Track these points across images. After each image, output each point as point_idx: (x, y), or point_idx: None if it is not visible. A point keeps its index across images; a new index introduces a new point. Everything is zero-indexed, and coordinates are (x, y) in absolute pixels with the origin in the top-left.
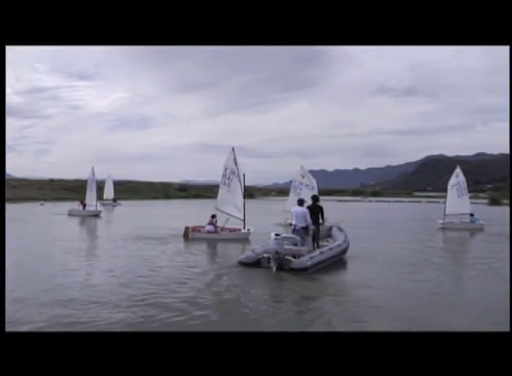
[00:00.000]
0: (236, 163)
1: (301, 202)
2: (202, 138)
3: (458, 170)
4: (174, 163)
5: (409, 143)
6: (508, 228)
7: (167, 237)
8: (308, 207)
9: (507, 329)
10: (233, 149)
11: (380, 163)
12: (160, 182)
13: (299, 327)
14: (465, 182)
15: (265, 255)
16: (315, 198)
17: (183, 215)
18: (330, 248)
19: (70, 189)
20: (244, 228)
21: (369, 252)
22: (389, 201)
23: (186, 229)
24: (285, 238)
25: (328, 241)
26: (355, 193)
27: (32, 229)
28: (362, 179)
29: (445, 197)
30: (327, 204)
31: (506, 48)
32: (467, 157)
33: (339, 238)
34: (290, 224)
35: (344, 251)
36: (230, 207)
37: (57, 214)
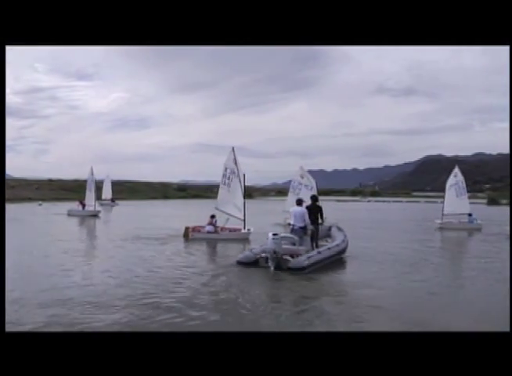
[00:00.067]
0: (236, 163)
1: (299, 202)
2: (201, 138)
3: (456, 170)
4: (173, 163)
5: (408, 143)
6: (507, 228)
7: (166, 237)
8: (307, 207)
9: (507, 329)
10: (233, 149)
11: (378, 163)
12: (159, 182)
13: (297, 326)
14: (464, 182)
15: (263, 255)
16: (314, 198)
17: (182, 215)
18: (328, 248)
19: (68, 190)
20: (244, 228)
21: (368, 252)
22: (388, 201)
23: (186, 229)
24: (283, 238)
25: (327, 241)
26: (354, 193)
27: (31, 229)
28: (360, 179)
29: (443, 196)
30: (326, 204)
31: (506, 48)
32: (466, 157)
33: (338, 238)
34: (289, 224)
35: (343, 250)
36: (230, 207)
37: (56, 214)
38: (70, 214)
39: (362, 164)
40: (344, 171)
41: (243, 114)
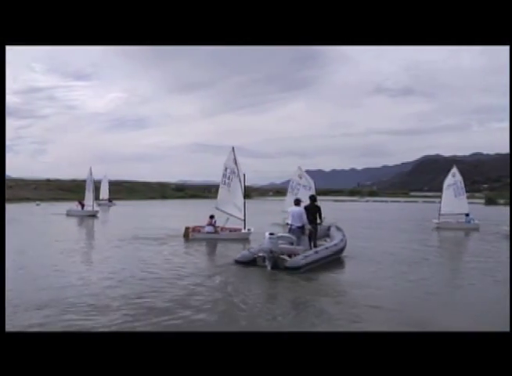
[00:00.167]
0: (236, 163)
1: (297, 202)
2: (199, 138)
3: (455, 170)
4: (171, 163)
5: (406, 143)
6: (504, 227)
7: (165, 237)
8: (306, 207)
9: (507, 329)
10: (233, 148)
11: (376, 163)
12: (157, 183)
13: (293, 326)
14: (462, 182)
15: (261, 254)
16: (312, 198)
17: (180, 215)
18: (326, 248)
19: (66, 190)
20: (245, 228)
21: (366, 251)
22: (386, 201)
23: (187, 229)
24: (280, 237)
25: (326, 241)
26: (352, 193)
27: (29, 229)
28: (358, 179)
29: (441, 196)
30: (324, 204)
31: (504, 48)
32: (464, 157)
33: (337, 237)
34: (287, 224)
35: (341, 250)
36: (230, 206)
37: (54, 214)
38: (68, 214)
39: (360, 164)
40: (342, 171)
41: (242, 114)
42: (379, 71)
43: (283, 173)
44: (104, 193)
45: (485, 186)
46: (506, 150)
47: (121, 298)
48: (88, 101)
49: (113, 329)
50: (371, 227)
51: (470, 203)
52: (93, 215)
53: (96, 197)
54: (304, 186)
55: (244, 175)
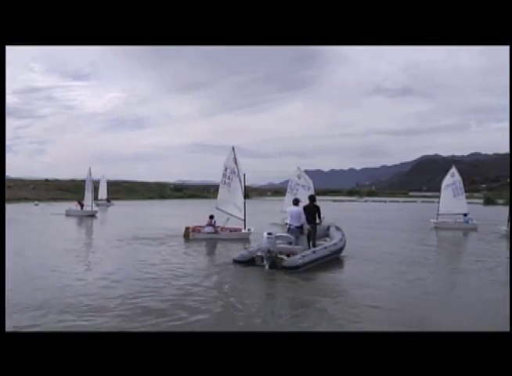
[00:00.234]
0: (236, 162)
1: (296, 202)
2: (197, 138)
3: (454, 170)
4: (169, 163)
5: (405, 143)
6: (502, 227)
7: (164, 237)
8: (305, 207)
9: (507, 329)
10: (233, 148)
11: (375, 163)
12: (156, 183)
13: (291, 326)
14: (461, 182)
15: (259, 254)
16: (311, 198)
17: (179, 215)
18: (325, 247)
19: (65, 190)
20: (245, 228)
21: (365, 251)
22: (385, 201)
23: (187, 229)
24: (279, 237)
25: (325, 240)
26: (351, 193)
27: (28, 229)
28: (357, 179)
29: (439, 196)
30: (323, 204)
31: (504, 48)
32: (462, 157)
33: (336, 237)
34: (287, 223)
35: (340, 250)
36: (230, 206)
37: (53, 214)
38: (68, 214)
39: (358, 164)
40: (341, 171)
41: (240, 114)
42: (378, 71)
43: (281, 173)
44: (102, 193)
45: (484, 186)
46: (505, 150)
47: (118, 299)
48: (87, 101)
49: (110, 329)
50: (370, 227)
51: (468, 203)
52: (92, 215)
53: (95, 197)
54: (303, 186)
55: (244, 174)
